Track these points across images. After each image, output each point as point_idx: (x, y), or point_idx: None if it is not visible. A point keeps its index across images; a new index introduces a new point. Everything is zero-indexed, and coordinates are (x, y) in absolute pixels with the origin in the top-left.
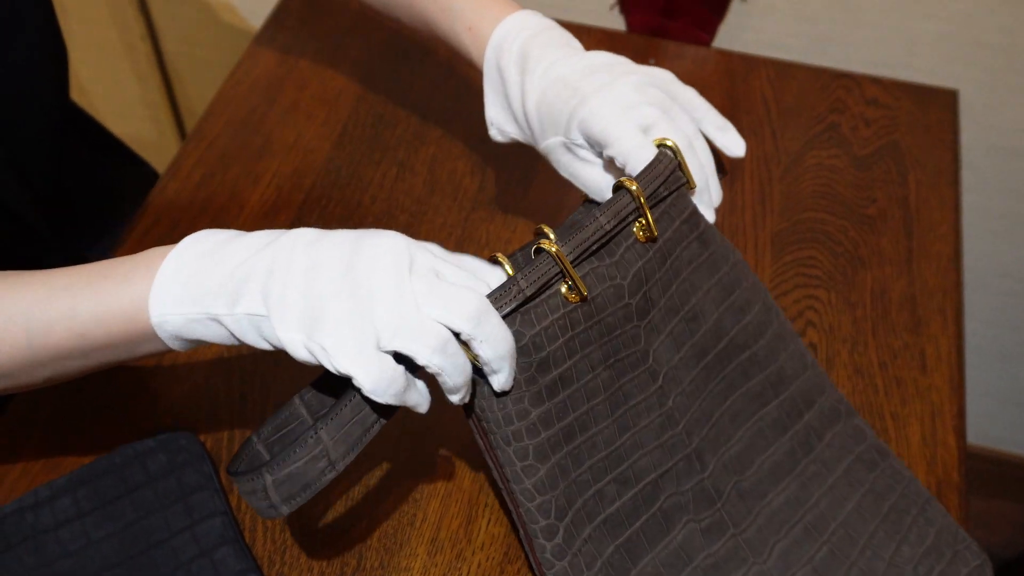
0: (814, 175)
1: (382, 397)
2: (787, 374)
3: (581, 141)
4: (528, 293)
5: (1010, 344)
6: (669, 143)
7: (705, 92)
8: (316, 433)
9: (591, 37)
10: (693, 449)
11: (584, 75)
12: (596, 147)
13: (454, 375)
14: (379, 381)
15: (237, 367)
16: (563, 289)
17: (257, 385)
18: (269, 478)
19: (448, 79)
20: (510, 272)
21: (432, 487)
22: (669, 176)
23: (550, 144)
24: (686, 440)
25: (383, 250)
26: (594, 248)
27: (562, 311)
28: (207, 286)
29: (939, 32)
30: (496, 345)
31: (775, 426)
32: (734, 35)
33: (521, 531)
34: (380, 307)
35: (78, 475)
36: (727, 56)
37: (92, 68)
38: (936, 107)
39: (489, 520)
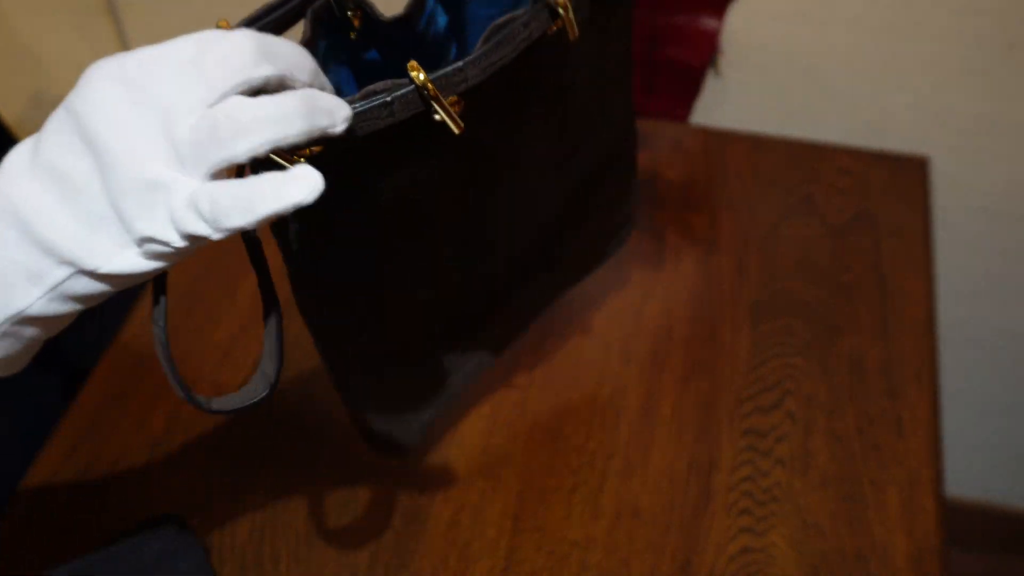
0: (790, 245)
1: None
2: None
3: None
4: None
5: (994, 398)
6: None
7: (684, 167)
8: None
9: None
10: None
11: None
12: None
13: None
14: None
15: (230, 453)
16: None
17: (251, 470)
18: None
19: None
20: None
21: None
22: None
23: None
24: None
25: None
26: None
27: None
28: None
29: (910, 102)
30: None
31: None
32: (710, 110)
33: None
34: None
35: (76, 566)
36: (704, 132)
37: None
38: (907, 174)
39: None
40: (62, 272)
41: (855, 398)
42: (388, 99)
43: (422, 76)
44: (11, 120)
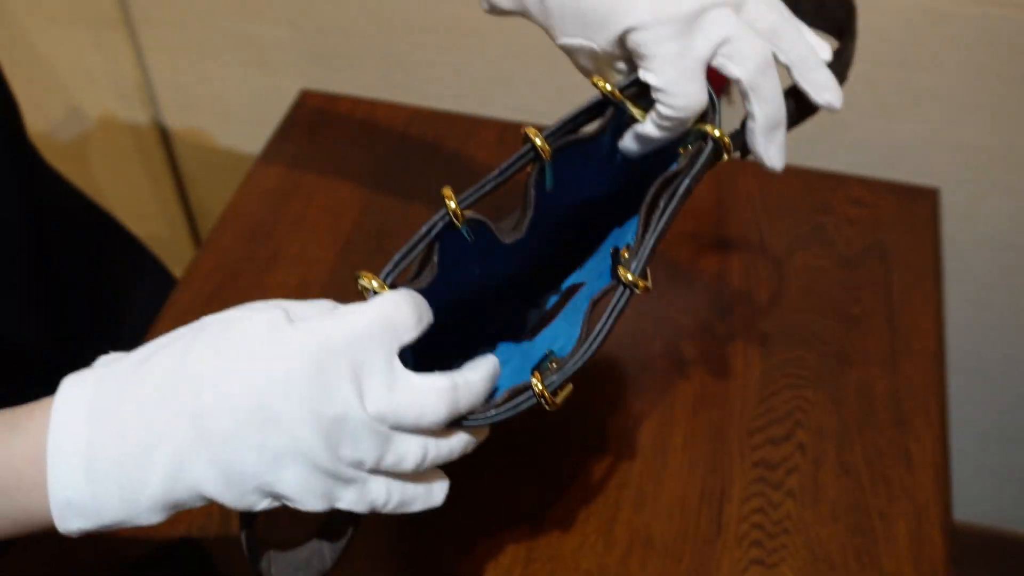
0: (801, 275)
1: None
2: None
3: (619, 52)
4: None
5: (998, 426)
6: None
7: (695, 194)
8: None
9: None
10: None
11: None
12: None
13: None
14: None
15: None
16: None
17: None
18: None
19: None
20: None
21: None
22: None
23: (573, 45)
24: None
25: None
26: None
27: None
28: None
29: (921, 133)
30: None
31: None
32: None
33: None
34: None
35: None
36: None
37: (109, 171)
38: (918, 205)
39: None
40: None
41: (864, 429)
42: (521, 406)
43: (540, 385)
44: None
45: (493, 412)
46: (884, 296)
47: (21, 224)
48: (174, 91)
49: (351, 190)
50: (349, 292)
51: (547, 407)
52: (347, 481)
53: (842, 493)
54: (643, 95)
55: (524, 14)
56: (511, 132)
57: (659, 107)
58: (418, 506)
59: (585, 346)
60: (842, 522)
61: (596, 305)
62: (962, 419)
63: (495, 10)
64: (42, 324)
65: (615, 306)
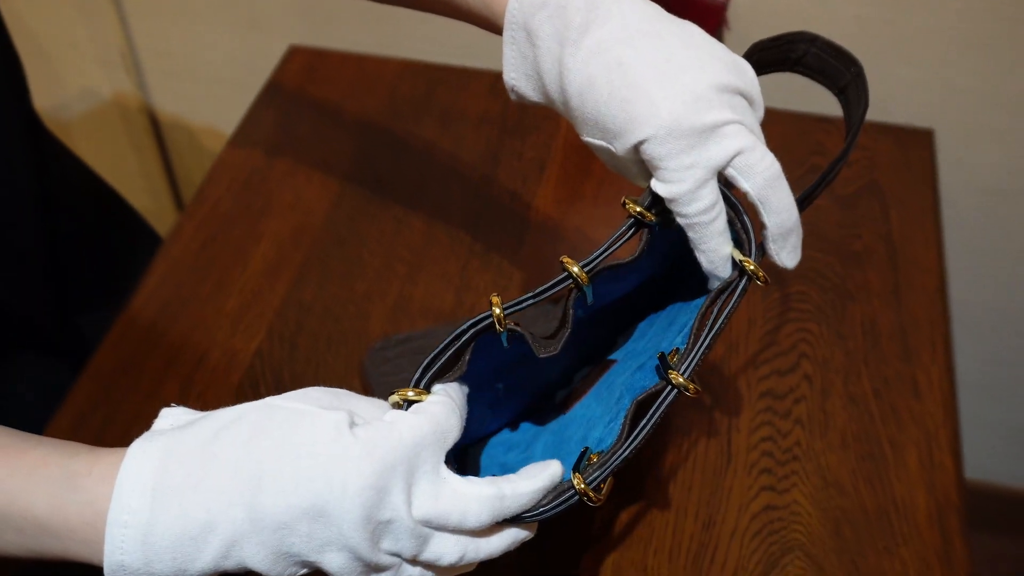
0: (804, 217)
1: None
2: None
3: (635, 158)
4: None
5: (1000, 378)
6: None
7: None
8: None
9: None
10: None
11: (655, 68)
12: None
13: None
14: None
15: None
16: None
17: None
18: None
19: (443, 137)
20: None
21: None
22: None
23: (594, 144)
24: None
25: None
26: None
27: None
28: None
29: (914, 77)
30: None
31: None
32: None
33: None
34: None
35: None
36: None
37: (92, 141)
38: (914, 146)
39: None
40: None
41: (870, 361)
42: (564, 504)
43: (583, 485)
44: None
45: (538, 512)
46: (884, 234)
47: (31, 194)
48: (158, 57)
49: (343, 142)
50: (343, 238)
51: (592, 504)
52: (385, 567)
53: (850, 421)
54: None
55: (551, 106)
56: (501, 82)
57: (677, 218)
58: None
59: (627, 444)
60: (852, 449)
61: (640, 405)
62: (965, 373)
63: (522, 100)
64: (47, 295)
65: (661, 405)
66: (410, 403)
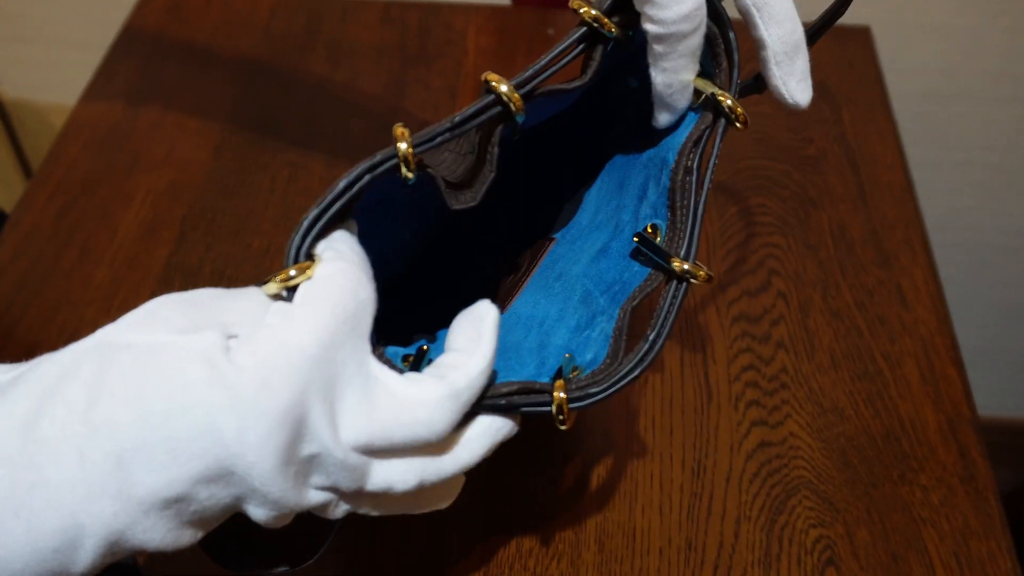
0: None
1: None
2: None
3: None
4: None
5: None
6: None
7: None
8: None
9: (478, 15)
10: None
11: None
12: None
13: None
14: None
15: None
16: None
17: None
18: None
19: (335, 71)
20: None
21: None
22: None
23: None
24: None
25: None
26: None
27: None
28: None
29: None
30: None
31: None
32: None
33: None
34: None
35: None
36: None
37: None
38: (853, 44)
39: None
40: None
41: (847, 270)
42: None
43: (562, 395)
44: None
45: (503, 401)
46: (838, 135)
47: None
48: None
49: (218, 86)
50: (230, 191)
51: (560, 426)
52: (322, 504)
53: (837, 338)
54: (630, 24)
55: None
56: (396, 9)
57: (647, 23)
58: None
59: (638, 362)
60: (844, 369)
61: (636, 309)
62: None
63: None
64: None
65: (673, 305)
66: (294, 288)
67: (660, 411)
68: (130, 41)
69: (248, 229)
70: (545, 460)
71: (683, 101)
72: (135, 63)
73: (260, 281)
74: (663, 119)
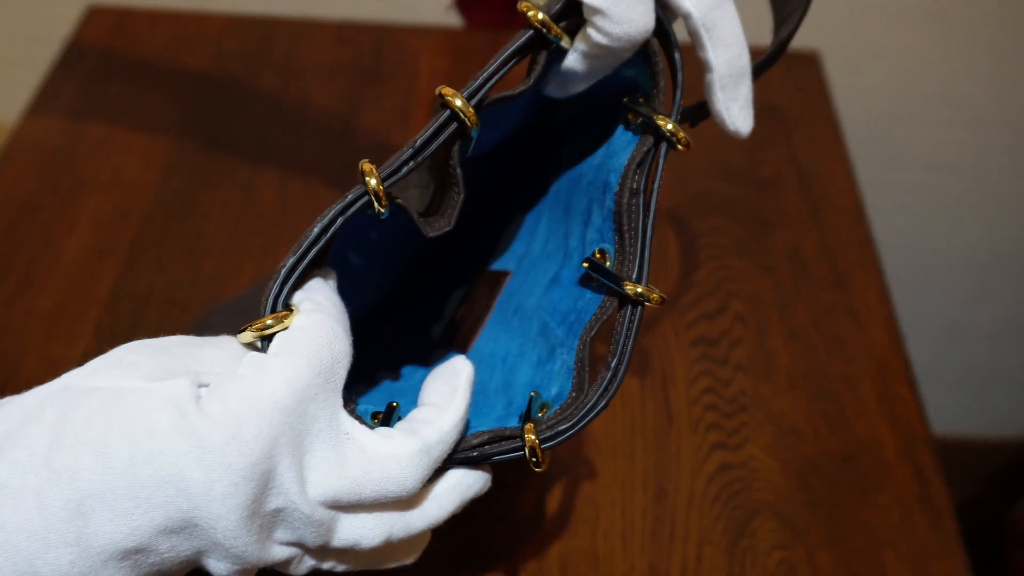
0: (700, 146)
1: None
2: None
3: None
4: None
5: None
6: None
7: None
8: None
9: (431, 37)
10: None
11: None
12: None
13: None
14: None
15: None
16: None
17: None
18: None
19: (288, 89)
20: None
21: None
22: None
23: None
24: None
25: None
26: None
27: None
28: None
29: None
30: None
31: None
32: None
33: None
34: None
35: None
36: None
37: None
38: (801, 68)
39: None
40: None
41: (803, 292)
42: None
43: (534, 438)
44: None
45: (473, 451)
46: (790, 156)
47: None
48: None
49: (167, 106)
50: (179, 213)
51: (535, 468)
52: (284, 560)
53: (795, 360)
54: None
55: None
56: (349, 30)
57: (592, 33)
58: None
59: (601, 393)
60: (802, 389)
61: (593, 339)
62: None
63: None
64: None
65: (630, 331)
66: (270, 337)
67: (621, 436)
68: (74, 58)
69: (198, 253)
70: (506, 489)
71: (573, 90)
72: (79, 81)
73: (235, 331)
74: (550, 86)
